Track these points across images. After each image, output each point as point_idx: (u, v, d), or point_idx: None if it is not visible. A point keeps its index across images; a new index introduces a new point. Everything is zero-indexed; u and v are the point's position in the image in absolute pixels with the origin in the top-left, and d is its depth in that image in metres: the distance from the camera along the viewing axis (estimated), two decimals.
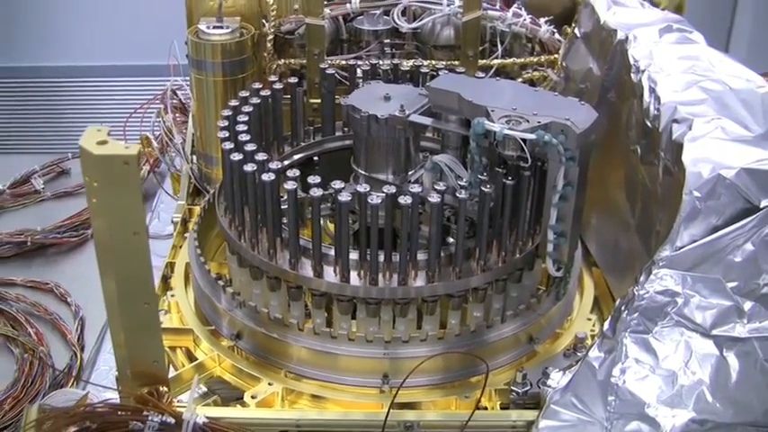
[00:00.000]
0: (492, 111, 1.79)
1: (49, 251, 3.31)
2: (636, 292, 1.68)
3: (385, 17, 2.52)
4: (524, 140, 1.73)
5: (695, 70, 1.96)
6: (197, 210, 2.34)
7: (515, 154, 1.76)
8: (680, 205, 1.68)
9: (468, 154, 1.90)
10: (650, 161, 1.92)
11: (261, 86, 2.16)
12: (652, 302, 1.65)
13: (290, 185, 1.81)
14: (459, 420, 1.78)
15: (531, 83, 2.47)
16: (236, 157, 1.89)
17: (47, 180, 3.66)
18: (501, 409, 1.85)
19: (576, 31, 2.38)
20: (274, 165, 1.87)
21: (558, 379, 1.78)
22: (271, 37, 2.38)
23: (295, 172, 1.86)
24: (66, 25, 4.08)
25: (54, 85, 4.18)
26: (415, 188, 1.78)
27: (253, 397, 1.83)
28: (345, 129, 2.27)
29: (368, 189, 1.78)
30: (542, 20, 2.47)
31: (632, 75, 2.02)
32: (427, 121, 1.94)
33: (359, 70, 2.29)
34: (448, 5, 2.44)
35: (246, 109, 2.07)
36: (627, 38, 2.09)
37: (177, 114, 2.82)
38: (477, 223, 1.82)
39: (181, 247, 2.30)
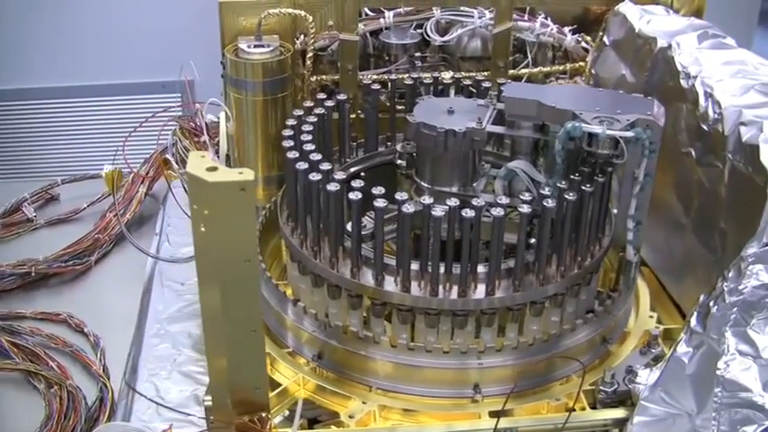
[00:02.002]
0: (580, 114, 1.86)
1: (51, 281, 3.22)
2: (726, 288, 1.74)
3: (411, 31, 2.54)
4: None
5: (745, 74, 2.04)
6: None
7: (610, 152, 1.84)
8: (763, 203, 1.74)
9: (540, 159, 2.01)
10: (709, 163, 1.99)
11: (312, 104, 2.20)
12: (750, 297, 1.71)
13: (354, 196, 1.85)
14: (554, 423, 1.83)
15: None
16: (302, 166, 1.94)
17: (36, 207, 3.56)
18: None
19: (605, 39, 2.45)
20: (339, 175, 1.92)
21: (646, 376, 1.84)
22: (311, 54, 2.38)
23: (359, 182, 1.90)
24: (48, 46, 3.99)
25: (36, 107, 4.08)
26: (503, 200, 1.84)
27: (350, 416, 1.84)
28: (389, 143, 2.31)
29: (431, 201, 1.82)
30: (566, 29, 2.52)
31: (681, 81, 2.09)
32: (503, 130, 2.00)
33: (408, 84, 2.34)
34: (479, 17, 2.47)
35: (311, 119, 2.13)
36: (670, 45, 2.17)
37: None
38: (555, 230, 1.86)
39: None
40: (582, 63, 2.54)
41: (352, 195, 1.85)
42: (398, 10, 2.49)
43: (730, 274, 1.76)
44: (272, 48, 2.30)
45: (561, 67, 2.55)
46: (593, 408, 1.90)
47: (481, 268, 1.88)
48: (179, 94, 3.48)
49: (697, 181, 2.05)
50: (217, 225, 1.57)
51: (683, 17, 2.36)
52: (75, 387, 2.73)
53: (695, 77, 2.06)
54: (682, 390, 1.77)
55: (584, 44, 2.53)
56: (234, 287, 1.64)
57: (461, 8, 2.49)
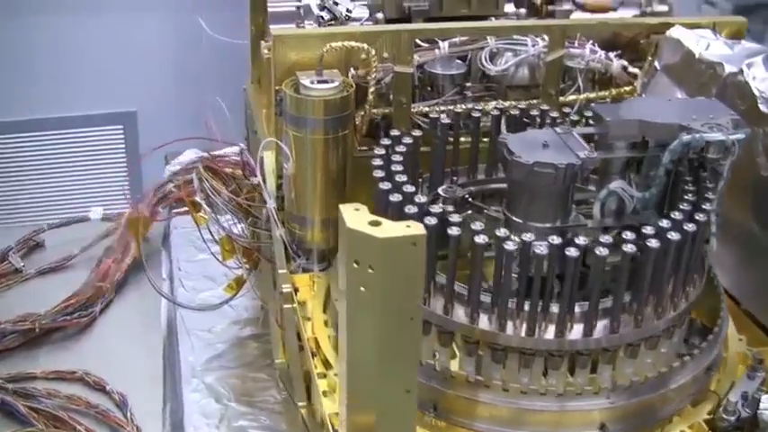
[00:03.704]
0: (686, 125, 1.92)
1: (54, 336, 3.04)
2: None
3: (457, 61, 2.50)
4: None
5: None
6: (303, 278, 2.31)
7: (718, 156, 1.91)
8: None
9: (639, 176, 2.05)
10: None
11: (400, 134, 2.18)
12: None
13: (454, 231, 1.84)
14: None
15: None
16: (396, 198, 1.91)
17: (22, 255, 3.36)
18: None
19: (656, 63, 2.46)
20: (436, 208, 1.90)
21: None
22: (373, 89, 2.31)
23: (455, 216, 1.87)
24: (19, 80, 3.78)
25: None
26: (606, 239, 1.82)
27: None
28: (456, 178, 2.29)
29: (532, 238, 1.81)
30: (612, 54, 2.52)
31: (761, 105, 2.12)
32: (611, 154, 2.03)
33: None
34: (532, 46, 2.45)
35: (400, 149, 2.11)
36: (741, 71, 2.19)
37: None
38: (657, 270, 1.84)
39: (309, 319, 2.20)
40: (627, 88, 2.54)
41: (452, 231, 1.83)
42: (453, 40, 2.43)
43: None
44: (336, 83, 2.21)
45: (606, 93, 2.54)
46: None
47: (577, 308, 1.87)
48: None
49: None
50: (381, 284, 1.50)
51: (737, 41, 2.39)
52: None
53: None
54: None
55: (630, 69, 2.52)
56: (392, 345, 1.57)
57: (514, 37, 2.45)
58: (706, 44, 2.35)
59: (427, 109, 2.47)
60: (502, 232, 1.84)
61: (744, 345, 2.14)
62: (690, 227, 1.85)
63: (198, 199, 2.59)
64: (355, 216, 1.52)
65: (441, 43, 2.44)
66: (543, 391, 1.85)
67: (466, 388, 1.88)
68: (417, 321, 1.56)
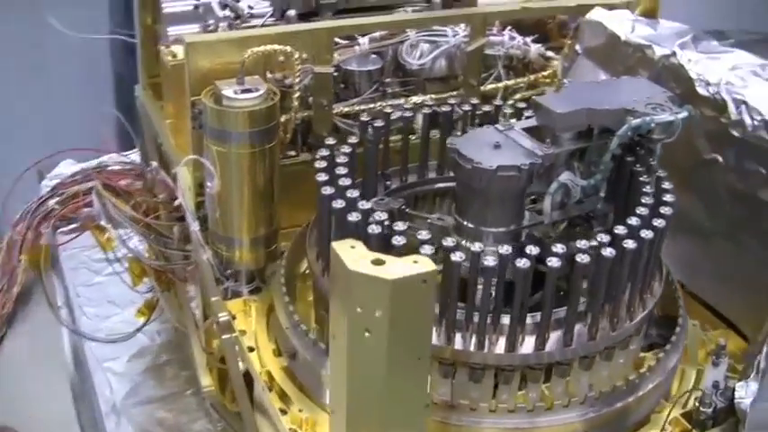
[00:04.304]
0: (631, 108, 1.87)
1: None
2: None
3: (372, 56, 2.37)
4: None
5: (761, 77, 2.08)
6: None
7: (662, 137, 1.88)
8: None
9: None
10: (747, 169, 2.02)
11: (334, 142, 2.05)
12: None
13: (399, 240, 1.71)
14: None
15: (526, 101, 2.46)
16: (339, 204, 1.82)
17: None
18: None
19: (577, 47, 2.41)
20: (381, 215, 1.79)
21: (744, 390, 1.84)
22: (298, 94, 2.15)
23: (402, 226, 1.76)
24: None
25: None
26: (559, 248, 1.72)
27: None
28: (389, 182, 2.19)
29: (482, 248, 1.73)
30: (529, 39, 2.46)
31: (699, 89, 2.10)
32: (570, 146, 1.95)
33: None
34: (453, 36, 2.35)
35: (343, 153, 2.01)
36: (674, 53, 2.17)
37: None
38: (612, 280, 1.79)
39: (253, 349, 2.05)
40: (545, 72, 2.48)
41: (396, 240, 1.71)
42: (374, 35, 2.30)
43: None
44: (261, 91, 2.04)
45: (525, 79, 2.47)
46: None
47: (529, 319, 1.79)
48: None
49: (727, 187, 2.07)
50: (389, 327, 1.37)
51: (656, 21, 2.37)
52: None
53: (716, 85, 2.06)
54: None
55: (548, 54, 2.47)
56: (399, 388, 1.45)
57: (434, 29, 2.34)
58: (630, 26, 2.32)
59: (347, 109, 2.33)
60: (449, 242, 1.74)
61: (699, 330, 2.13)
62: (647, 234, 1.77)
63: (102, 223, 2.37)
64: (354, 256, 1.38)
65: (360, 39, 2.30)
66: (493, 408, 1.77)
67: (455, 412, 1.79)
68: (425, 360, 1.45)
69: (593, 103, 1.92)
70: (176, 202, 2.17)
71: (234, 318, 2.12)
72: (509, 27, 2.46)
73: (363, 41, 2.30)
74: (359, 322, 1.38)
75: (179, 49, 2.27)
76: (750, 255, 2.05)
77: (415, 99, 2.38)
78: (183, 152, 2.36)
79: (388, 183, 2.21)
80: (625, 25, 2.32)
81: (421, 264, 1.37)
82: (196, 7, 2.41)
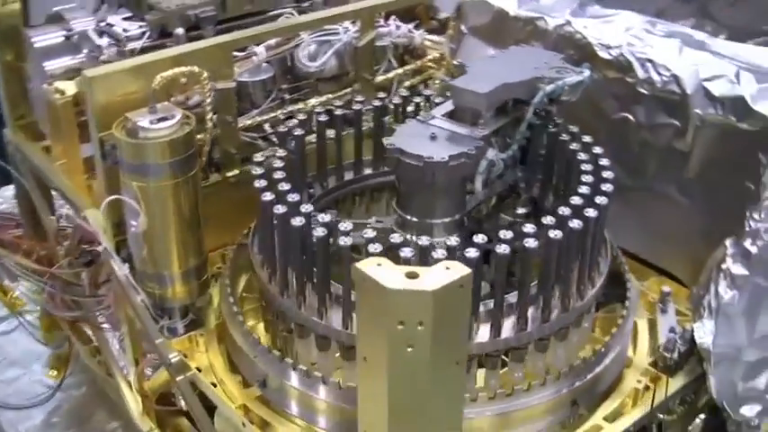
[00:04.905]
0: (540, 78, 1.94)
1: None
2: (762, 227, 1.90)
3: (264, 64, 2.30)
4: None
5: (664, 34, 2.19)
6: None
7: (569, 98, 1.97)
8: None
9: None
10: (659, 123, 2.12)
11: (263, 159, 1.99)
12: None
13: (346, 241, 1.72)
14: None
15: (414, 87, 2.48)
16: (298, 222, 1.77)
17: None
18: None
19: (462, 27, 2.44)
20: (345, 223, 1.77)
21: (703, 329, 1.95)
22: (211, 114, 2.05)
23: (348, 226, 1.76)
24: None
25: None
26: (507, 234, 1.74)
27: None
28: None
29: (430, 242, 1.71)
30: (411, 26, 2.47)
31: (600, 53, 2.18)
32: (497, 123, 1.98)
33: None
34: (345, 33, 2.32)
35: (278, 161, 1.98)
36: (568, 22, 2.24)
37: None
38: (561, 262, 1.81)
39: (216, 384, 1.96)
40: (431, 56, 2.50)
41: (342, 241, 1.71)
42: (269, 42, 2.23)
43: (762, 215, 1.91)
44: (177, 117, 1.93)
45: (414, 66, 2.49)
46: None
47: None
48: None
49: (641, 143, 2.16)
50: (431, 338, 1.35)
51: None
52: None
53: (618, 47, 2.15)
54: (736, 325, 1.94)
55: (430, 38, 2.49)
56: (441, 395, 1.43)
57: (326, 28, 2.30)
58: (515, 1, 2.36)
59: (249, 122, 2.25)
60: (396, 238, 1.74)
61: (636, 282, 2.20)
62: (591, 212, 1.81)
63: (22, 291, 2.18)
64: (387, 274, 1.34)
65: (257, 48, 2.22)
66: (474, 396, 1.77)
67: None
68: (463, 364, 1.44)
69: (505, 77, 1.95)
70: (100, 247, 2.02)
71: (185, 356, 2.01)
72: (393, 17, 2.44)
73: (260, 50, 2.22)
74: (401, 339, 1.34)
75: (68, 85, 2.12)
76: (674, 204, 2.15)
77: (313, 101, 2.33)
78: (82, 194, 2.22)
79: (311, 190, 2.15)
80: (510, 1, 2.36)
81: (454, 269, 1.35)
82: (67, 38, 2.25)
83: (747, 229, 1.93)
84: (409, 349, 1.35)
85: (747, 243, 1.92)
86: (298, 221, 1.76)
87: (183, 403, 2.20)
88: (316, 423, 1.84)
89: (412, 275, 1.34)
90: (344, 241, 1.71)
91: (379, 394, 1.42)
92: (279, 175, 1.91)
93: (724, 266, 1.95)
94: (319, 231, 1.73)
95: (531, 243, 1.71)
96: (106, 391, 2.43)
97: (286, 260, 1.85)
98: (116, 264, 2.03)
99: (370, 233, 1.74)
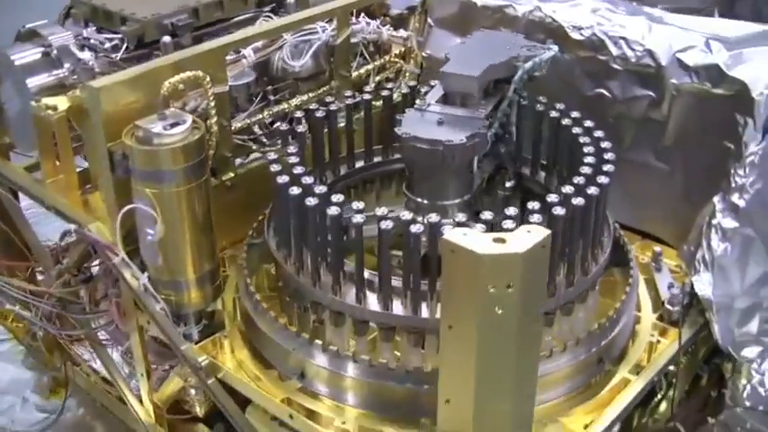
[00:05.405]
0: (516, 57, 2.07)
1: None
2: (746, 181, 2.07)
3: (246, 69, 2.33)
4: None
5: (627, 13, 2.33)
6: None
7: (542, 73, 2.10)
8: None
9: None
10: (634, 96, 2.27)
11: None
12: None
13: (358, 219, 1.81)
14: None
15: (386, 81, 2.55)
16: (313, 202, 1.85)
17: None
18: None
19: (429, 20, 2.53)
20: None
21: (701, 281, 2.08)
22: (216, 118, 2.07)
23: (358, 204, 1.86)
24: None
25: None
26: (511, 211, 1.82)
27: None
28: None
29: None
30: (377, 22, 2.54)
31: (572, 34, 2.31)
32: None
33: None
34: (323, 32, 2.37)
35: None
36: (538, 8, 2.36)
37: None
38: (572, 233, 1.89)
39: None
40: (396, 52, 2.57)
41: (383, 224, 1.78)
42: (256, 45, 2.26)
43: (746, 170, 2.07)
44: (188, 123, 1.95)
45: (380, 63, 2.56)
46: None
47: None
48: None
49: (617, 116, 2.30)
50: (520, 298, 1.43)
51: None
52: None
53: (589, 28, 2.28)
54: (731, 275, 2.10)
55: (396, 33, 2.56)
56: (524, 353, 1.51)
57: (305, 28, 2.35)
58: None
59: (240, 124, 2.28)
60: (407, 215, 1.80)
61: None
62: (593, 191, 1.88)
63: (9, 306, 2.14)
64: (475, 241, 1.41)
65: (245, 51, 2.25)
66: None
67: None
68: (541, 321, 1.52)
69: (488, 60, 2.06)
70: (116, 260, 2.00)
71: (214, 358, 2.02)
72: (362, 14, 2.50)
73: (248, 53, 2.25)
74: (491, 301, 1.41)
75: (58, 101, 2.09)
76: (653, 171, 2.29)
77: (295, 101, 2.37)
78: (78, 209, 2.20)
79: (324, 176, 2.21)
80: None
81: (535, 232, 1.43)
82: (46, 54, 2.22)
83: (733, 184, 2.09)
84: (499, 311, 1.42)
85: (735, 197, 2.08)
86: (358, 218, 1.80)
87: (197, 409, 2.21)
88: (364, 406, 1.89)
89: (499, 240, 1.41)
90: (358, 219, 1.79)
91: (465, 360, 1.48)
92: (299, 169, 1.95)
93: (714, 221, 2.09)
94: (358, 218, 1.80)
95: (558, 211, 1.80)
96: (108, 409, 2.39)
97: (318, 249, 1.89)
98: (134, 273, 2.02)
99: (383, 210, 1.81)
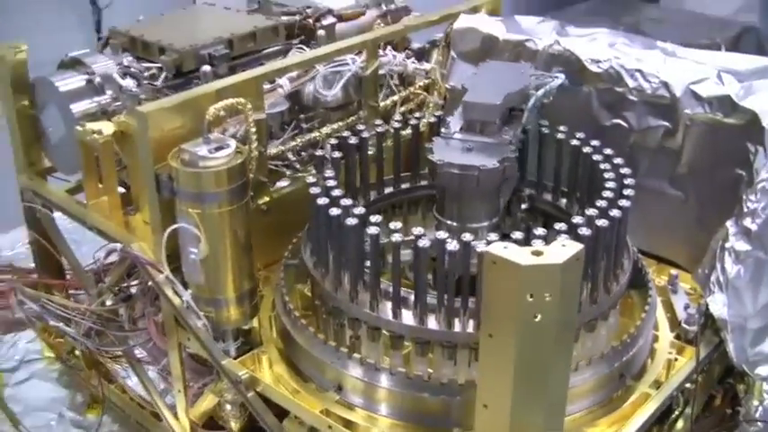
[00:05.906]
0: (528, 85, 2.21)
1: None
2: (758, 206, 2.15)
3: (280, 99, 2.44)
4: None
5: (642, 46, 2.45)
6: None
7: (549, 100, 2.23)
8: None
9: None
10: (648, 126, 2.38)
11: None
12: None
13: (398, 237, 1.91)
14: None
15: (410, 112, 2.67)
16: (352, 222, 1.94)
17: None
18: None
19: (452, 53, 2.65)
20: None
21: (715, 302, 2.17)
22: (256, 144, 2.17)
23: (396, 224, 1.94)
24: None
25: None
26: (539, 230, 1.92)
27: None
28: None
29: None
30: (402, 55, 2.66)
31: (590, 67, 2.42)
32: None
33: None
34: (353, 63, 2.48)
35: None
36: (557, 42, 2.48)
37: None
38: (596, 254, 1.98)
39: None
40: (421, 83, 2.69)
41: (420, 242, 1.88)
42: (291, 74, 2.37)
43: (758, 195, 2.17)
44: (232, 147, 2.05)
45: (406, 93, 2.67)
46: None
47: None
48: None
49: (634, 145, 2.41)
50: (558, 306, 1.53)
51: (518, 18, 2.66)
52: None
53: (607, 61, 2.40)
54: (744, 296, 2.18)
55: (419, 66, 2.68)
56: (558, 361, 1.61)
57: (336, 60, 2.47)
58: (501, 26, 2.59)
59: (275, 150, 2.38)
60: (444, 235, 1.91)
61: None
62: (616, 213, 1.98)
63: (53, 322, 2.22)
64: (516, 253, 1.51)
65: (280, 81, 2.36)
66: None
67: None
68: (573, 329, 1.62)
69: (505, 89, 2.18)
70: (160, 277, 2.10)
71: (253, 373, 2.11)
72: (389, 47, 2.62)
73: (284, 82, 2.36)
74: (530, 309, 1.51)
75: (103, 125, 2.20)
76: (668, 198, 2.40)
77: (326, 130, 2.48)
78: (121, 229, 2.30)
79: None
80: (496, 26, 2.58)
81: (570, 246, 1.53)
82: (89, 81, 2.33)
83: (745, 209, 2.19)
84: (537, 319, 1.52)
85: (747, 221, 2.18)
86: (396, 237, 1.90)
87: (232, 425, 2.29)
88: (399, 417, 1.97)
89: (537, 253, 1.51)
90: (396, 238, 1.88)
91: (504, 367, 1.58)
92: (337, 192, 2.06)
93: (728, 245, 2.19)
94: (396, 238, 1.89)
95: (584, 231, 1.90)
96: (142, 425, 2.47)
97: (356, 267, 1.99)
98: (178, 290, 2.11)
99: (419, 230, 1.91)
